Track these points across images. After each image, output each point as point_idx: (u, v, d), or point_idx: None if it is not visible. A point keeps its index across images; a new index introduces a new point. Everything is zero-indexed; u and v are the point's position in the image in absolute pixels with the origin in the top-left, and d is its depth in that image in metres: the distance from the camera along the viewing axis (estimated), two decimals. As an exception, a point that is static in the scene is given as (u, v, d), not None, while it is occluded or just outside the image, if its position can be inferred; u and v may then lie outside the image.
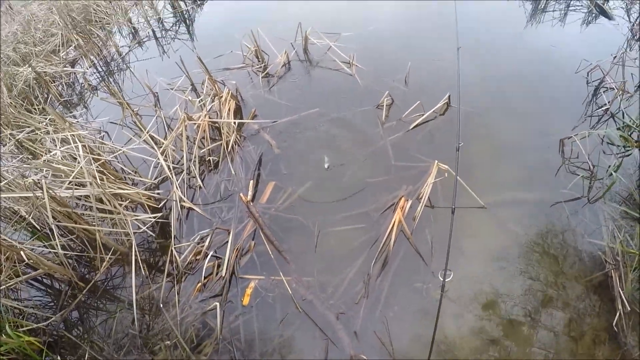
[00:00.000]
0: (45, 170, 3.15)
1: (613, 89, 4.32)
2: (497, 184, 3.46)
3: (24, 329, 2.57)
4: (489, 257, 2.97)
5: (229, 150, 3.70)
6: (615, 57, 4.55)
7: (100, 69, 5.77)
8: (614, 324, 2.55)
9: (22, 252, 2.73)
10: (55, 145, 3.31)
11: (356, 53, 4.82)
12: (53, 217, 2.76)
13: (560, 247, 3.01)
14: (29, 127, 3.84)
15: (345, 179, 3.50)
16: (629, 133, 3.84)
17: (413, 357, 2.54)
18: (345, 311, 2.73)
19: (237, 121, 3.91)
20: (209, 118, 3.75)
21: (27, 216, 2.97)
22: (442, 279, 2.44)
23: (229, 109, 3.88)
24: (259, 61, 4.92)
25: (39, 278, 3.09)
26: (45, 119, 3.96)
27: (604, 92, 4.29)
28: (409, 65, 4.52)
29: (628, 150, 3.69)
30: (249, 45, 4.98)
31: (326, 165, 3.57)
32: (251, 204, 3.24)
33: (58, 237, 2.78)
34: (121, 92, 4.82)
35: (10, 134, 3.71)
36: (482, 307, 2.72)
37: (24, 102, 4.55)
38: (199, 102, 4.00)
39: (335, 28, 5.28)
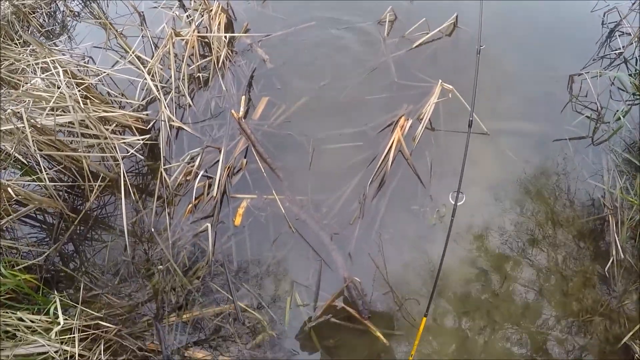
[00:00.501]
0: (27, 100, 2.95)
1: (629, 34, 3.96)
2: (500, 112, 3.29)
3: (20, 267, 2.49)
4: (486, 186, 2.89)
5: (219, 66, 3.45)
6: (635, 2, 4.14)
7: None
8: (606, 269, 2.53)
9: (9, 189, 2.60)
10: (36, 73, 3.08)
11: None
12: (38, 148, 2.62)
13: (559, 183, 2.93)
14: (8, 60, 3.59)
15: (343, 96, 3.29)
16: None
17: (407, 280, 2.52)
18: (339, 232, 2.66)
19: (228, 35, 3.62)
20: (198, 33, 3.48)
21: (11, 151, 2.80)
22: (452, 202, 2.29)
23: (220, 23, 3.59)
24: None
25: (32, 215, 2.98)
26: (26, 50, 3.70)
27: (619, 36, 3.92)
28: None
29: (637, 99, 3.48)
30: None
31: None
32: (243, 120, 3.06)
33: (45, 170, 2.65)
34: (105, 15, 4.51)
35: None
36: (475, 237, 2.68)
37: (4, 40, 4.25)
38: (187, 17, 3.70)
39: None
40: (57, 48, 4.00)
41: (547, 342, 2.37)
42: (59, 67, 2.86)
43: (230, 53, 3.60)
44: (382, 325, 2.38)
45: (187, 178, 2.93)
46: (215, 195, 2.78)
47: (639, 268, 2.58)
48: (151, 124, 3.24)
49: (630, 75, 3.67)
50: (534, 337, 2.39)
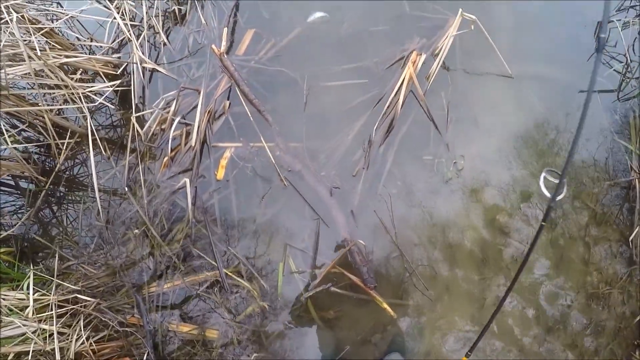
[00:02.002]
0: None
1: None
2: (524, 53, 2.95)
3: None
4: (506, 135, 2.66)
5: (198, -3, 3.02)
6: None
7: None
8: (630, 239, 2.35)
9: None
10: None
11: None
12: None
13: (584, 140, 2.68)
14: None
15: (345, 27, 2.89)
16: None
17: (418, 243, 2.31)
18: (340, 185, 2.39)
19: (208, -42, 3.16)
20: (173, -44, 3.02)
21: None
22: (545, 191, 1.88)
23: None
24: None
25: (6, 182, 2.70)
26: None
27: None
28: None
29: None
30: None
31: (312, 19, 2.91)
32: (225, 56, 2.67)
33: (8, 131, 2.39)
34: None
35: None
36: (491, 190, 2.48)
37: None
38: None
39: None
40: None
41: (563, 315, 2.24)
42: (13, 12, 2.47)
43: (212, -19, 3.14)
44: (389, 295, 2.18)
45: (162, 127, 2.59)
46: (194, 145, 2.47)
47: None
48: (122, 68, 2.84)
49: None
50: (550, 308, 2.25)
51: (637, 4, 3.31)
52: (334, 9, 2.99)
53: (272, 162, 2.39)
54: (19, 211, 2.62)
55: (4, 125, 2.37)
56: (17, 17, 2.45)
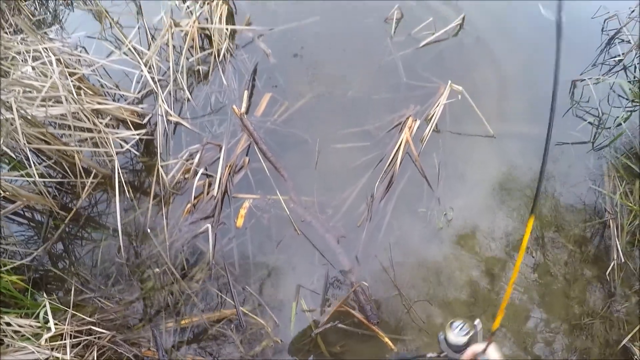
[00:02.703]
0: (17, 89, 2.82)
1: (629, 42, 4.03)
2: (504, 114, 3.31)
3: (6, 268, 2.40)
4: (490, 188, 2.93)
5: (220, 59, 3.36)
6: (634, 11, 4.21)
7: None
8: (607, 273, 2.59)
9: None
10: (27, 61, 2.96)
11: None
12: (27, 141, 2.49)
13: (561, 186, 2.97)
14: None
15: (350, 94, 3.25)
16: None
17: (414, 284, 2.52)
18: (346, 234, 2.62)
19: (230, 27, 3.53)
20: (198, 24, 3.38)
21: None
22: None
23: (221, 15, 3.50)
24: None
25: (20, 212, 2.87)
26: (17, 37, 3.57)
27: (618, 43, 3.99)
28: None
29: (637, 105, 3.55)
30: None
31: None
32: (245, 116, 2.98)
33: (34, 164, 2.54)
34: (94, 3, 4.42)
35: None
36: (478, 237, 2.71)
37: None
38: (187, 7, 3.60)
39: None
40: (49, 36, 3.87)
41: (549, 343, 2.41)
42: (51, 55, 2.74)
43: (232, 46, 3.52)
44: (389, 330, 2.37)
45: (186, 176, 2.85)
46: (216, 194, 2.70)
47: (638, 272, 2.66)
48: (147, 118, 3.13)
49: (629, 82, 3.75)
50: (537, 339, 2.43)
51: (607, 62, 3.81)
52: (340, 78, 3.36)
53: (287, 213, 2.63)
54: (30, 241, 2.78)
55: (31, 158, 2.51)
56: (55, 59, 2.75)
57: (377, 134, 3.03)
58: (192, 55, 3.38)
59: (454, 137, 3.10)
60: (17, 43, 3.15)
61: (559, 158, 3.09)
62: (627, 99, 3.60)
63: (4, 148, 2.62)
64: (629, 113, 3.39)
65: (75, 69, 2.98)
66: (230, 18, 3.72)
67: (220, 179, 2.74)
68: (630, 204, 2.85)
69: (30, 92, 2.67)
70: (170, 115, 3.05)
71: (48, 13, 4.65)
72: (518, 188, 2.92)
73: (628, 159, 3.12)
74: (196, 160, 2.85)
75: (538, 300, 2.51)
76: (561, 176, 3.01)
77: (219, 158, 2.84)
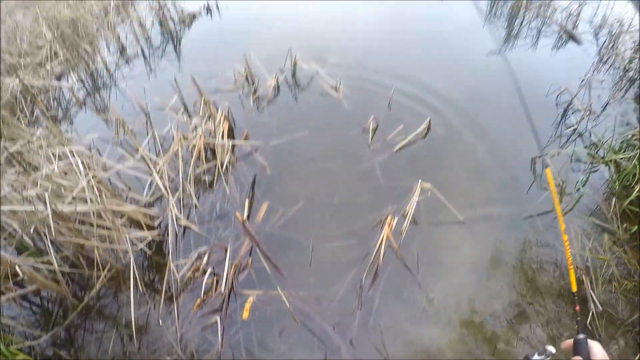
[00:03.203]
0: (43, 185, 3.20)
1: (580, 110, 4.76)
2: (473, 200, 3.74)
3: (14, 347, 2.62)
4: (468, 269, 3.24)
5: (223, 170, 3.87)
6: (583, 80, 4.99)
7: (87, 85, 5.91)
8: (587, 323, 2.86)
9: (16, 267, 2.79)
10: (53, 160, 3.39)
11: (343, 79, 5.10)
12: (52, 231, 2.83)
13: (534, 255, 3.31)
14: (20, 139, 3.87)
15: (336, 199, 3.72)
16: (596, 151, 4.27)
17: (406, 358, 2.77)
18: (340, 322, 2.90)
19: (232, 142, 4.09)
20: (204, 139, 3.92)
21: (19, 231, 3.01)
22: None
23: (224, 130, 4.06)
24: (249, 84, 5.16)
25: (27, 295, 3.14)
26: (37, 131, 4.04)
27: (572, 113, 4.76)
28: (392, 90, 4.83)
29: (595, 167, 4.09)
30: (239, 68, 5.21)
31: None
32: (247, 222, 3.38)
33: (54, 253, 2.85)
34: (106, 110, 5.02)
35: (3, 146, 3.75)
36: (462, 315, 2.96)
37: (9, 114, 4.60)
38: (193, 124, 4.16)
39: (322, 54, 5.71)
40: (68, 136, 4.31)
41: None
42: (77, 157, 3.20)
43: (233, 158, 4.05)
44: None
45: (195, 274, 3.18)
46: (223, 291, 3.04)
47: (619, 315, 2.94)
48: (158, 221, 3.54)
49: (585, 147, 4.33)
50: None
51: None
52: (328, 182, 3.88)
53: (287, 305, 2.95)
54: (38, 323, 3.02)
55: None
56: (80, 161, 3.18)
57: (361, 232, 3.42)
58: (199, 166, 3.87)
59: (429, 227, 3.50)
60: (39, 139, 3.61)
61: (529, 230, 3.49)
62: (584, 163, 4.15)
63: (25, 237, 2.98)
64: (587, 175, 3.87)
65: (95, 170, 3.42)
66: (231, 133, 4.30)
67: (227, 277, 3.07)
68: (601, 257, 3.18)
69: (58, 188, 3.10)
70: (180, 220, 3.46)
71: (60, 110, 5.20)
72: (490, 263, 3.26)
73: (593, 216, 3.56)
74: (204, 260, 3.21)
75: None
76: (532, 245, 3.39)
77: (225, 258, 3.17)
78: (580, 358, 1.11)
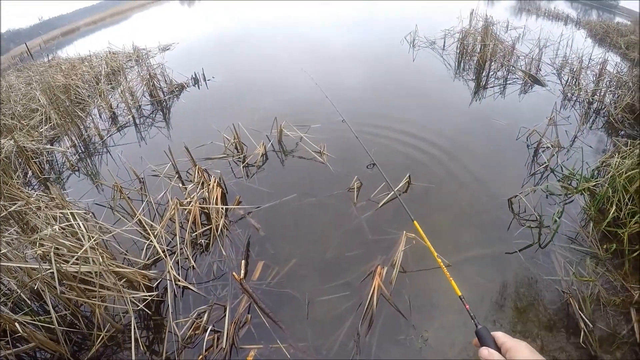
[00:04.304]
0: (46, 245, 3.28)
1: (550, 147, 5.20)
2: (458, 245, 3.98)
3: None
4: (458, 308, 3.26)
5: (218, 233, 4.06)
6: (550, 118, 5.48)
7: (80, 150, 6.20)
8: (580, 341, 3.04)
9: (16, 324, 2.83)
10: (54, 221, 3.51)
11: (326, 143, 5.51)
12: (57, 290, 2.95)
13: (522, 288, 3.51)
14: (19, 199, 4.02)
15: (328, 255, 3.92)
16: (569, 182, 4.71)
17: None
18: None
19: (225, 207, 4.31)
20: (199, 204, 4.12)
21: (18, 290, 3.09)
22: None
23: (217, 196, 4.27)
24: (238, 152, 5.45)
25: (28, 353, 3.16)
26: (34, 193, 4.18)
27: (542, 151, 5.29)
28: (373, 152, 5.16)
29: (570, 197, 4.46)
30: (228, 137, 5.52)
31: None
32: (244, 281, 3.55)
33: (55, 312, 2.92)
34: (98, 175, 5.27)
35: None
36: (457, 350, 3.08)
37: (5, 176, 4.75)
38: (188, 189, 4.37)
39: (306, 120, 6.18)
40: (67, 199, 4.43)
41: None
42: (78, 219, 3.34)
43: (227, 222, 4.25)
44: None
45: (196, 332, 3.27)
46: (224, 346, 3.13)
47: (612, 330, 3.13)
48: (157, 282, 3.66)
49: (559, 180, 4.73)
50: None
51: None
52: (319, 240, 4.08)
53: (288, 357, 3.04)
54: None
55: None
56: (83, 224, 3.30)
57: (354, 283, 3.60)
58: (194, 230, 4.04)
59: (418, 273, 3.67)
60: (37, 200, 3.72)
61: (514, 265, 3.72)
62: (559, 195, 4.48)
63: (23, 296, 3.07)
64: (562, 207, 4.18)
65: (94, 233, 3.57)
66: (224, 198, 4.51)
67: (227, 333, 3.17)
68: (585, 278, 3.42)
69: (60, 249, 3.22)
70: (179, 281, 3.59)
71: (53, 173, 5.36)
72: (479, 300, 3.41)
73: (573, 243, 3.84)
74: (205, 318, 3.33)
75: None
76: (518, 279, 3.59)
77: (224, 316, 3.29)
78: (485, 347, 1.11)
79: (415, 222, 2.51)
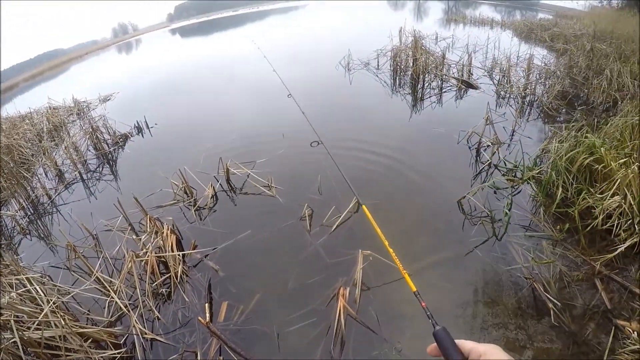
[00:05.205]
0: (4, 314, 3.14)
1: (490, 145, 5.43)
2: (416, 254, 4.06)
3: None
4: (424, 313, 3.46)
5: (178, 280, 4.00)
6: (486, 118, 5.73)
7: (29, 212, 5.97)
8: (553, 321, 3.17)
9: None
10: (11, 288, 3.35)
11: (273, 176, 5.63)
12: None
13: (486, 283, 3.63)
14: None
15: (289, 285, 3.96)
16: (513, 175, 4.99)
17: None
18: None
19: (181, 253, 4.27)
20: (155, 254, 4.02)
21: None
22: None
23: (172, 243, 4.19)
24: (188, 196, 5.40)
25: None
26: None
27: (484, 150, 5.56)
28: (319, 177, 5.23)
29: (517, 188, 4.73)
30: (176, 182, 5.44)
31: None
32: (211, 324, 3.53)
33: None
34: (50, 235, 5.11)
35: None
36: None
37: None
38: (142, 240, 4.25)
39: (251, 156, 6.24)
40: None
41: None
42: (35, 284, 3.26)
43: (185, 268, 4.20)
44: None
45: None
46: None
47: (580, 303, 3.25)
48: (124, 338, 3.57)
49: (503, 174, 5.01)
50: None
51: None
52: (279, 272, 4.08)
53: None
54: None
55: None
56: (40, 288, 3.16)
57: (319, 308, 3.63)
58: (154, 281, 3.95)
59: (381, 288, 3.73)
60: None
61: (475, 263, 3.83)
62: (505, 188, 4.71)
63: None
64: (511, 198, 4.37)
65: (53, 296, 3.45)
66: (179, 244, 4.44)
67: None
68: (544, 261, 3.58)
69: (20, 316, 3.11)
70: (146, 334, 3.50)
71: (3, 238, 5.10)
72: (446, 302, 3.48)
73: (528, 230, 4.03)
74: None
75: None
76: (481, 275, 3.70)
77: (197, 362, 3.27)
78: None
79: (363, 206, 2.49)
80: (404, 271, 1.68)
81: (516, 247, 3.92)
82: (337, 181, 5.42)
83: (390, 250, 1.90)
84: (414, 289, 1.48)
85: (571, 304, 3.33)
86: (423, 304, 1.36)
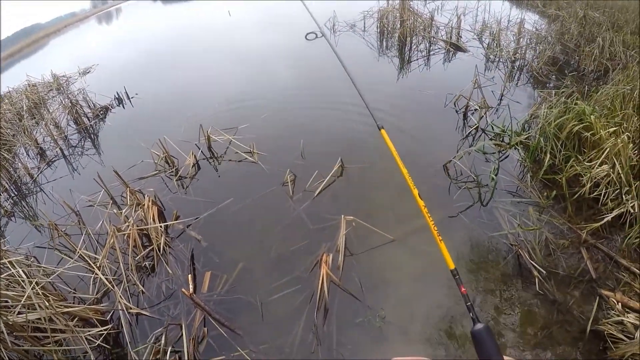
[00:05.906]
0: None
1: (477, 108, 5.27)
2: (401, 219, 3.96)
3: None
4: (411, 279, 3.43)
5: (161, 252, 3.93)
6: (474, 81, 5.57)
7: (12, 193, 5.82)
8: (537, 289, 3.13)
9: None
10: None
11: (255, 142, 5.45)
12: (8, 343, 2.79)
13: (471, 249, 3.57)
14: None
15: (272, 253, 3.91)
16: (501, 140, 4.87)
17: None
18: None
19: (163, 224, 4.15)
20: (137, 227, 3.89)
21: None
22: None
23: (153, 215, 4.06)
24: (169, 166, 5.24)
25: None
26: None
27: (471, 114, 5.37)
28: (302, 142, 5.06)
29: (504, 153, 4.62)
30: (157, 152, 5.27)
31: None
32: (194, 295, 3.50)
33: None
34: (35, 215, 5.00)
35: None
36: (420, 320, 3.10)
37: None
38: (123, 213, 4.12)
39: (232, 122, 6.01)
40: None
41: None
42: (17, 267, 3.17)
43: (168, 240, 4.13)
44: None
45: (157, 357, 3.17)
46: None
47: (566, 272, 3.22)
48: (110, 314, 3.53)
49: (491, 139, 4.88)
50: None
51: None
52: (262, 240, 4.00)
53: None
54: None
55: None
56: (22, 271, 3.07)
57: (303, 276, 3.61)
58: (137, 254, 3.85)
59: (365, 253, 3.69)
60: None
61: (460, 228, 3.76)
62: (493, 153, 4.60)
63: None
64: (498, 163, 4.31)
65: (37, 277, 3.35)
66: (161, 216, 4.32)
67: (187, 351, 3.11)
68: (530, 228, 3.53)
69: (5, 301, 3.02)
70: (131, 309, 3.43)
71: None
72: (430, 268, 3.41)
73: (514, 196, 3.94)
74: (163, 341, 3.25)
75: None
76: (467, 241, 3.64)
77: (182, 334, 3.21)
78: None
79: (382, 130, 2.02)
80: (441, 242, 1.38)
81: (502, 212, 3.86)
82: (320, 144, 5.32)
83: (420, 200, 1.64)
84: (452, 266, 1.22)
85: (556, 272, 3.30)
86: (463, 288, 1.13)
